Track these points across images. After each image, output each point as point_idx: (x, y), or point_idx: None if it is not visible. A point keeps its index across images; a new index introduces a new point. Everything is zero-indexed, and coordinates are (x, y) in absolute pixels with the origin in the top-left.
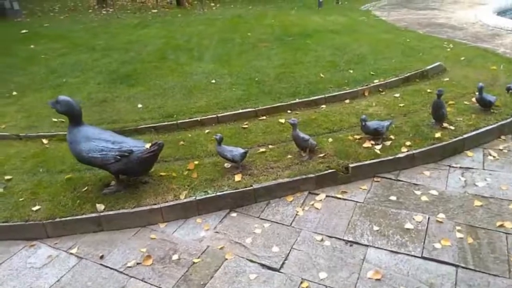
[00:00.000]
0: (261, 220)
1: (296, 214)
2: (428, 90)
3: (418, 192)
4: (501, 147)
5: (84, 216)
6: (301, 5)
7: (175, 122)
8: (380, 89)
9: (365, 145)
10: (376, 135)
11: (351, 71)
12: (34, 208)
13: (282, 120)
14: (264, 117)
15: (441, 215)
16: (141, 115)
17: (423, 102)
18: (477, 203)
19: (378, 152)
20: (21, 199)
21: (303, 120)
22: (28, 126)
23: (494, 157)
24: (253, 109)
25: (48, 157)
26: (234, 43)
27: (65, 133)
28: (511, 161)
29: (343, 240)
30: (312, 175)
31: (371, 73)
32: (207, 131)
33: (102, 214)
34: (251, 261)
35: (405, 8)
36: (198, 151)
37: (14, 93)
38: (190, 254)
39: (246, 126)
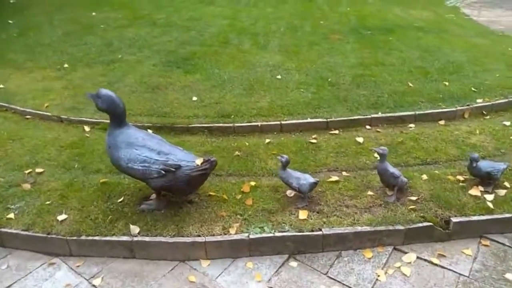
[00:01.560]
0: (329, 279)
1: (377, 279)
2: None
3: None
4: None
5: (115, 238)
6: None
7: (231, 124)
8: (484, 112)
9: (472, 192)
10: (487, 179)
11: (446, 83)
12: (60, 218)
13: (360, 139)
14: (337, 132)
15: None
16: (194, 110)
17: None
18: None
19: (490, 205)
20: (47, 202)
21: (387, 143)
22: (72, 107)
23: None
24: (325, 120)
25: (86, 150)
26: (304, 31)
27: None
28: None
29: None
30: (401, 227)
31: (472, 88)
32: (267, 140)
33: (135, 239)
34: None
35: (501, 8)
36: (255, 167)
37: (66, 65)
38: None
39: (314, 140)
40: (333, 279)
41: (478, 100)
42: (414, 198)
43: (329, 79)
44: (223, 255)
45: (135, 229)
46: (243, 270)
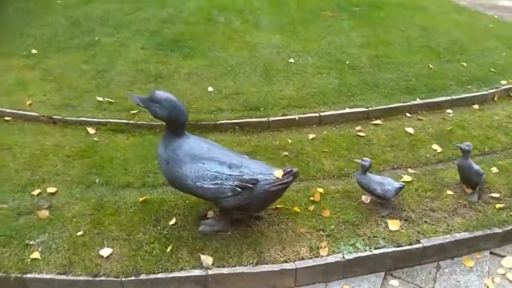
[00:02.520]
0: None
1: None
2: None
3: None
4: None
5: (184, 273)
6: None
7: (265, 119)
8: (511, 94)
9: None
10: None
11: (464, 64)
12: (103, 252)
13: (410, 130)
14: (379, 121)
15: None
16: (215, 103)
17: None
18: None
19: None
20: (79, 233)
21: (436, 132)
22: (63, 104)
23: None
24: (365, 109)
25: (102, 159)
26: (290, 7)
27: (120, 121)
28: None
29: None
30: (498, 230)
31: (491, 69)
32: (310, 136)
33: (211, 272)
34: None
35: None
36: (311, 169)
37: (34, 51)
38: None
39: (362, 133)
40: None
41: (502, 82)
42: (496, 195)
43: (347, 62)
44: (315, 280)
45: (207, 259)
46: None
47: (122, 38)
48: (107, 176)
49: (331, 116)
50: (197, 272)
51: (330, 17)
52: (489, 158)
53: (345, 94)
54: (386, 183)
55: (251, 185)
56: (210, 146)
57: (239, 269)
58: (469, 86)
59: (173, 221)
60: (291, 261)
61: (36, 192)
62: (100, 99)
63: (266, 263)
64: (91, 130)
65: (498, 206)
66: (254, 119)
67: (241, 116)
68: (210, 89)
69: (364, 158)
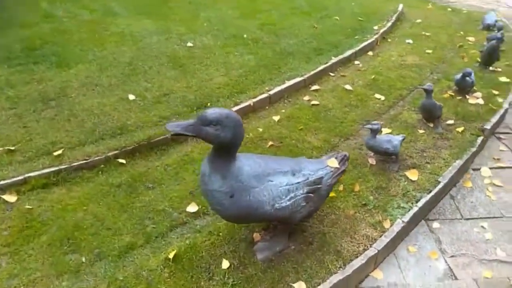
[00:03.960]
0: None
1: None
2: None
3: None
4: None
5: None
6: None
7: None
8: (384, 37)
9: (471, 101)
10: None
11: (337, 18)
12: None
13: (348, 87)
14: (317, 87)
15: None
16: (151, 112)
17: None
18: None
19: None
20: None
21: (365, 83)
22: None
23: None
24: (302, 78)
25: (62, 229)
26: None
27: (44, 171)
28: None
29: None
30: (473, 149)
31: (359, 18)
32: (276, 118)
33: None
34: None
35: None
36: (303, 150)
37: None
38: None
39: (313, 102)
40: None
41: (375, 28)
42: (451, 121)
43: (245, 36)
44: (385, 255)
45: (301, 286)
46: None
47: None
48: (90, 247)
49: (278, 93)
50: None
51: None
52: (417, 93)
53: (273, 68)
54: (393, 139)
55: (319, 185)
56: (262, 158)
57: (334, 279)
58: (356, 37)
59: (226, 264)
60: (369, 246)
61: None
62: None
63: (351, 260)
64: (10, 198)
65: (458, 129)
66: None
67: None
68: (131, 97)
69: (373, 122)
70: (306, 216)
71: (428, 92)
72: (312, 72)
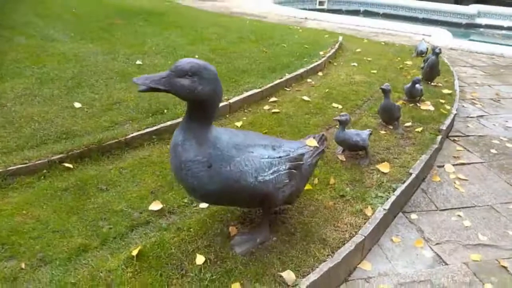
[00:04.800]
0: None
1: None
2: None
3: None
4: None
5: None
6: None
7: (180, 120)
8: (330, 60)
9: (423, 107)
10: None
11: (284, 45)
12: None
13: (305, 97)
14: (275, 98)
15: None
16: (101, 118)
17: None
18: None
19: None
20: None
21: (320, 95)
22: None
23: None
24: (260, 90)
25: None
26: (74, 20)
27: (4, 170)
28: None
29: None
30: (435, 146)
31: (304, 46)
32: (238, 124)
33: (303, 286)
34: None
35: None
36: None
37: None
38: None
39: (274, 110)
40: None
41: (321, 53)
42: (408, 123)
43: (196, 56)
44: (371, 244)
45: (289, 275)
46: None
47: None
48: (32, 252)
49: (237, 102)
50: None
51: (124, 24)
52: (371, 103)
53: (230, 81)
54: (361, 133)
55: (301, 162)
56: (240, 131)
57: (324, 267)
58: (305, 59)
59: (201, 259)
60: (354, 233)
61: None
62: None
63: (338, 247)
64: None
65: (417, 130)
66: (169, 123)
67: (152, 123)
68: (77, 105)
69: (342, 113)
70: (288, 197)
71: (386, 92)
72: (269, 85)
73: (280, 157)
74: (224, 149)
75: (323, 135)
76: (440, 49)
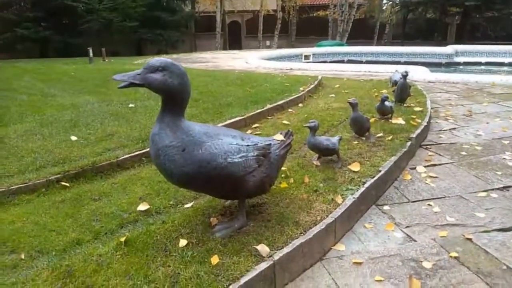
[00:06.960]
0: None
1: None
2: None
3: None
4: None
5: (252, 273)
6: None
7: None
8: (310, 94)
9: (394, 121)
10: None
11: (267, 85)
12: None
13: (285, 121)
14: (258, 124)
15: None
16: (95, 146)
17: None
18: None
19: (402, 121)
20: None
21: (300, 120)
22: None
23: None
24: (243, 117)
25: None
26: (71, 81)
27: (6, 189)
28: None
29: None
30: (404, 149)
31: (285, 84)
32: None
33: (276, 258)
34: None
35: (180, 62)
36: None
37: None
38: None
39: (257, 132)
40: None
41: (301, 89)
42: (380, 134)
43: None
44: (344, 230)
45: (263, 248)
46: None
47: None
48: (31, 246)
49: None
50: (264, 265)
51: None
52: (346, 123)
53: (215, 113)
54: (331, 138)
55: (268, 151)
56: (212, 125)
57: (296, 242)
58: (286, 94)
59: (183, 242)
60: (325, 217)
61: None
62: None
63: (310, 227)
64: None
65: (388, 138)
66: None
67: (142, 147)
68: (73, 138)
69: (311, 120)
70: (260, 185)
71: (353, 105)
72: (251, 113)
73: (248, 145)
74: (196, 135)
75: (289, 130)
76: (407, 72)
